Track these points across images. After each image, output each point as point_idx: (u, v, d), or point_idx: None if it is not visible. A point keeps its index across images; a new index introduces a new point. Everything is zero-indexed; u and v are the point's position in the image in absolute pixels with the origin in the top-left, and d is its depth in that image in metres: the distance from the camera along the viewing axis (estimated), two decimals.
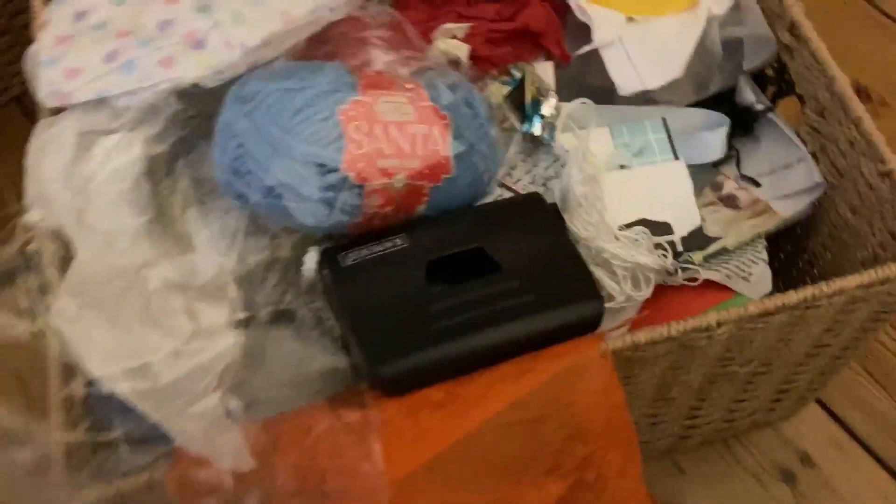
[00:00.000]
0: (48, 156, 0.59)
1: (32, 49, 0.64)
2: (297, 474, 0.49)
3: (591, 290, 0.59)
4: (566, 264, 0.60)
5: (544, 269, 0.59)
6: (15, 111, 1.04)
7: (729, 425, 0.79)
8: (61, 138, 0.60)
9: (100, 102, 0.61)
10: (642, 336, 0.57)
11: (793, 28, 0.68)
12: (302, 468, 0.50)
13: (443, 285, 0.58)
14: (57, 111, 0.62)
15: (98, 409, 0.53)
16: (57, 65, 0.63)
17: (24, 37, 0.97)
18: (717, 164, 0.72)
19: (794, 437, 0.85)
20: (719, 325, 0.57)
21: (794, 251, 0.77)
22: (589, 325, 0.58)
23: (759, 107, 0.71)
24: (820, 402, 0.87)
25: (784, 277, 0.77)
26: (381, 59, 0.65)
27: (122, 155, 0.60)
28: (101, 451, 0.51)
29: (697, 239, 0.67)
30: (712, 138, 0.71)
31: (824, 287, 0.58)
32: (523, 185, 0.68)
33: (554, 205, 0.64)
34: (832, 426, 0.86)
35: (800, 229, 0.75)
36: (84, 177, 0.59)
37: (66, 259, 0.56)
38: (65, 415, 0.51)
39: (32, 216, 0.57)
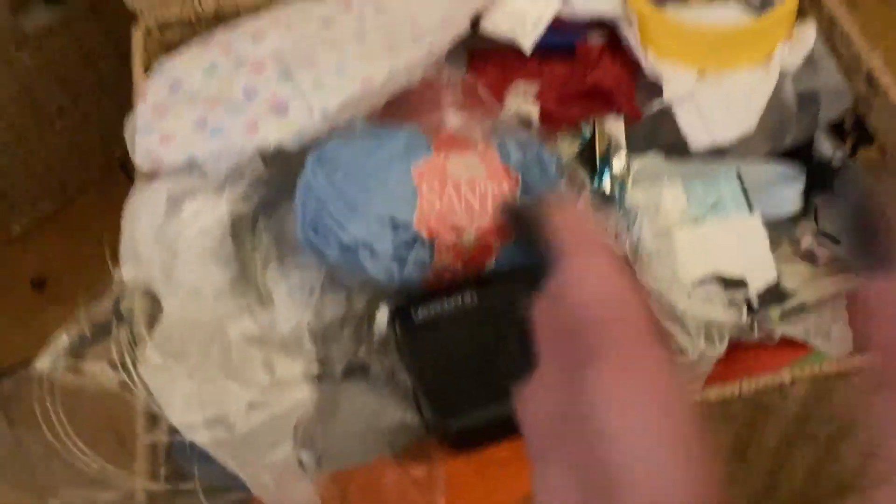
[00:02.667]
0: (141, 217, 0.63)
1: (131, 118, 0.70)
2: None
3: None
4: None
5: None
6: (120, 175, 1.10)
7: (813, 490, 0.76)
8: (154, 200, 0.64)
9: (190, 166, 0.65)
10: (713, 394, 0.56)
11: (870, 78, 0.67)
12: None
13: (513, 341, 0.59)
14: (153, 175, 0.66)
15: (180, 456, 0.56)
16: (153, 132, 0.67)
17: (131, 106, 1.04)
18: (795, 220, 0.71)
19: None
20: (793, 382, 0.56)
21: None
22: None
23: (838, 162, 0.70)
24: None
25: None
26: (454, 120, 0.67)
27: (209, 214, 0.64)
28: (181, 497, 0.53)
29: (774, 294, 0.66)
30: (788, 192, 0.70)
31: None
32: None
33: (623, 257, 0.64)
34: None
35: None
36: (173, 235, 0.63)
37: (155, 314, 0.60)
38: (148, 461, 0.54)
39: (126, 273, 0.61)
